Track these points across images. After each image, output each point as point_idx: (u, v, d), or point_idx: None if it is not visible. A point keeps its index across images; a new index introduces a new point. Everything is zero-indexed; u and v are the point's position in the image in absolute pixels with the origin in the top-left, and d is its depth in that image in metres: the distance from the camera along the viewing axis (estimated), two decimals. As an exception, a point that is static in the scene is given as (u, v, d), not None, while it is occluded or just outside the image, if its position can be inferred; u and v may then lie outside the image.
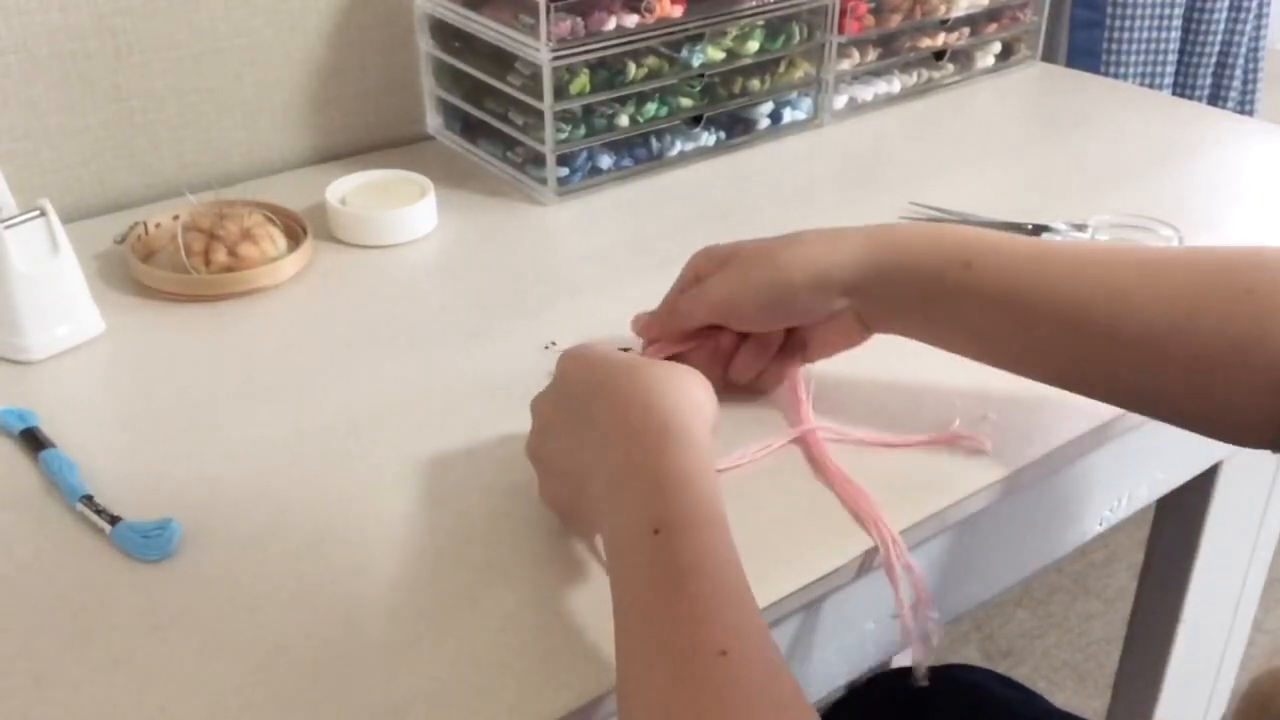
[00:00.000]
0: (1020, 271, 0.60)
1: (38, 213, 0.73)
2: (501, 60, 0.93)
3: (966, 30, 1.16)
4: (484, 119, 0.98)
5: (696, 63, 0.95)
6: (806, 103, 1.06)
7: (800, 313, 0.63)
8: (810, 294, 0.62)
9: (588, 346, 0.58)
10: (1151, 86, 1.54)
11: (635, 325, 0.69)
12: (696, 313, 0.65)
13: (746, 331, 0.66)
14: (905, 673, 0.89)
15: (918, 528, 0.60)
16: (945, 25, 1.13)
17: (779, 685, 0.42)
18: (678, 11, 0.92)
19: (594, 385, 0.54)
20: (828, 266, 0.62)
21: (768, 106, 1.04)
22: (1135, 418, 0.68)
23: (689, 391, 0.53)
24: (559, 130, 0.91)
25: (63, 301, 0.74)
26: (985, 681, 0.90)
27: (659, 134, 0.98)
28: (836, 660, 0.65)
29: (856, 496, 0.60)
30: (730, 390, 0.66)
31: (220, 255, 0.80)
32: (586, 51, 0.89)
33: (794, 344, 0.67)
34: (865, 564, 0.58)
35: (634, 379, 0.53)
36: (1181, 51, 1.57)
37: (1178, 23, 1.52)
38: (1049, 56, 1.34)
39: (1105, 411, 0.67)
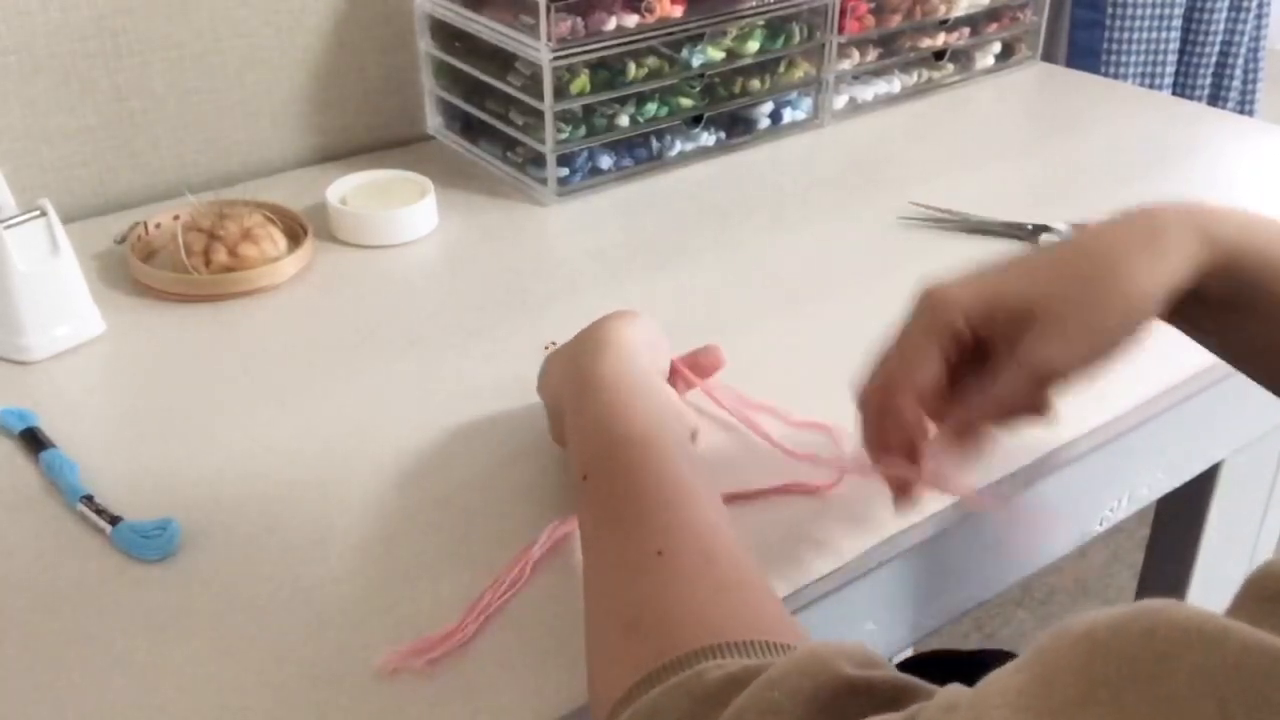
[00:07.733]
0: None
1: (38, 213, 0.73)
2: (502, 60, 0.92)
3: (966, 30, 1.16)
4: (484, 119, 0.98)
5: (696, 63, 0.95)
6: (806, 103, 1.06)
7: (1133, 345, 0.51)
8: (1152, 317, 0.51)
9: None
10: (1151, 86, 1.54)
11: (869, 404, 0.53)
12: (1030, 388, 0.52)
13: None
14: (947, 655, 0.88)
15: (917, 528, 0.60)
16: (945, 25, 1.13)
17: (717, 570, 0.46)
18: (678, 11, 0.92)
19: (578, 336, 0.61)
20: (1168, 279, 0.50)
21: (768, 106, 1.04)
22: (1135, 418, 0.68)
23: (634, 330, 0.59)
24: (559, 130, 0.91)
25: (63, 301, 0.74)
26: None
27: (659, 134, 0.98)
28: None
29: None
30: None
31: (220, 255, 0.80)
32: (586, 51, 0.89)
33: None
34: (861, 564, 0.58)
35: (592, 329, 0.60)
36: (1181, 51, 1.57)
37: (1178, 23, 1.52)
38: (1049, 56, 1.34)
39: (1104, 412, 0.67)
